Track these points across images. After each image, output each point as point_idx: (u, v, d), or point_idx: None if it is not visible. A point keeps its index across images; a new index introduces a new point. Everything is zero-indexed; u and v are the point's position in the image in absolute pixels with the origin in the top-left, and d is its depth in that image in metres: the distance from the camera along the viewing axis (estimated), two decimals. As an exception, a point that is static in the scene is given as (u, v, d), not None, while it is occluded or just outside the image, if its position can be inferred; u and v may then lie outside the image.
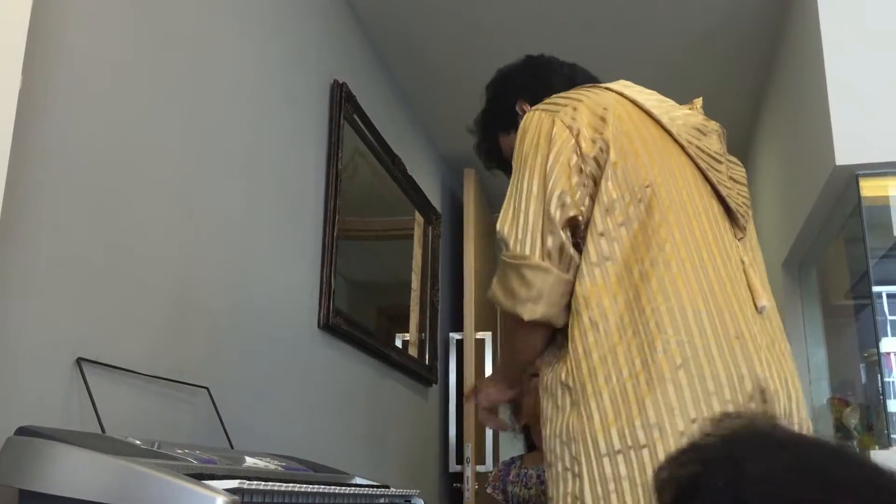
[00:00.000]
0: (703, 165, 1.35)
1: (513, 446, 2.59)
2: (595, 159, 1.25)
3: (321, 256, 2.51)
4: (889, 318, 2.61)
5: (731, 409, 1.13)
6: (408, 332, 3.49)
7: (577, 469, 1.15)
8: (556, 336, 1.29)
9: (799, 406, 1.24)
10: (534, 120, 1.32)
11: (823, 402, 3.03)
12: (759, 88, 3.48)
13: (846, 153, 2.33)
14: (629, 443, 1.11)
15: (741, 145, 3.99)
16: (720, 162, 1.40)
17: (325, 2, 2.68)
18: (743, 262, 1.32)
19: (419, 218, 3.66)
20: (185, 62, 1.81)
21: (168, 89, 1.73)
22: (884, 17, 2.42)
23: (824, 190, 2.49)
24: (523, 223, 1.24)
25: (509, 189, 1.30)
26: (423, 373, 3.54)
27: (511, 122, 1.60)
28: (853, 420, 2.71)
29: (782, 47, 3.04)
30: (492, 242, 4.44)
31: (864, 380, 2.80)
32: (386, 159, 3.14)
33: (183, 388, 1.70)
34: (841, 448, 0.61)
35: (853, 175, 2.39)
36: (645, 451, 1.11)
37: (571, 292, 1.23)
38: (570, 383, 1.20)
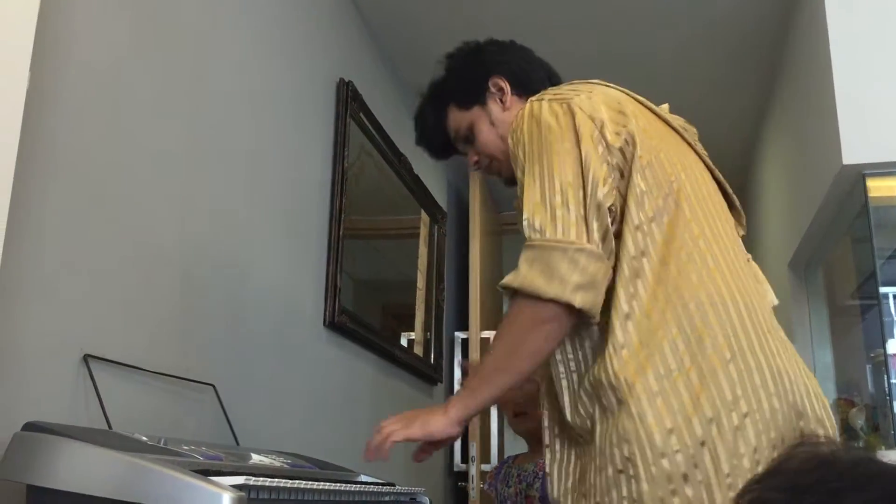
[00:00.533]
0: (707, 163, 1.37)
1: (517, 446, 2.59)
2: (621, 150, 1.23)
3: (327, 255, 2.52)
4: (896, 319, 2.60)
5: (775, 402, 1.12)
6: (413, 330, 3.49)
7: (632, 471, 1.10)
8: (580, 335, 1.23)
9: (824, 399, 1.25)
10: (545, 108, 1.27)
11: (830, 403, 3.02)
12: (766, 86, 3.47)
13: (853, 152, 2.33)
14: (687, 441, 1.09)
15: (747, 144, 3.99)
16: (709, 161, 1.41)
17: (330, 0, 2.68)
18: (748, 259, 1.34)
19: (425, 217, 3.66)
20: (191, 61, 1.81)
21: (174, 88, 1.73)
22: (891, 14, 2.41)
23: (831, 189, 2.49)
24: (563, 212, 1.16)
25: (530, 178, 1.22)
26: (428, 371, 3.54)
27: (476, 97, 1.50)
28: (859, 421, 2.70)
29: (788, 44, 3.03)
30: (497, 241, 4.44)
31: (870, 380, 2.79)
32: (392, 158, 3.15)
33: (189, 385, 1.70)
34: None
35: (860, 174, 2.38)
36: (705, 449, 1.08)
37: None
38: (616, 382, 1.14)
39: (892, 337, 2.52)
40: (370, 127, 2.91)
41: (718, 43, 3.15)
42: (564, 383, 1.25)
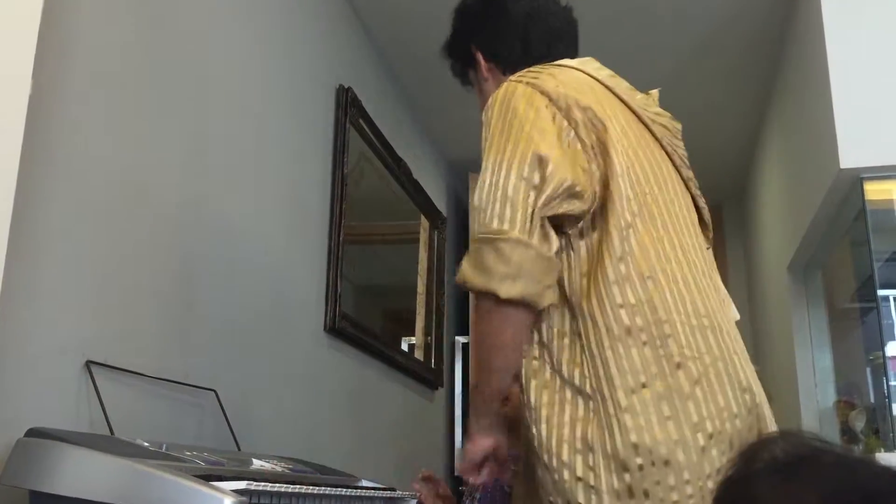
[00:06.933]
0: (684, 174, 1.34)
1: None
2: (595, 155, 1.21)
3: (327, 260, 2.52)
4: (895, 321, 2.60)
5: (737, 423, 1.13)
6: (414, 335, 3.50)
7: (593, 481, 1.10)
8: (547, 328, 1.21)
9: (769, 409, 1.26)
10: (518, 92, 1.24)
11: (829, 405, 3.03)
12: (764, 91, 3.49)
13: (850, 156, 2.34)
14: (652, 459, 1.09)
15: (746, 148, 3.99)
16: (688, 167, 1.37)
17: (330, 7, 2.69)
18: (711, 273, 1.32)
19: (425, 222, 3.67)
20: (191, 68, 1.82)
21: (174, 96, 1.74)
22: (888, 20, 2.42)
23: (829, 193, 2.50)
24: (502, 196, 1.15)
25: (486, 160, 1.21)
26: (429, 376, 3.55)
27: (466, 61, 1.52)
28: (859, 423, 2.71)
29: (787, 50, 3.05)
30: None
31: (870, 383, 2.80)
32: (391, 164, 3.16)
33: (190, 390, 1.71)
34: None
35: (858, 178, 2.39)
36: (668, 468, 1.08)
37: (554, 272, 1.18)
38: (588, 390, 1.14)
39: (892, 339, 2.52)
40: (369, 133, 2.92)
41: (718, 49, 3.16)
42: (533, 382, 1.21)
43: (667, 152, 1.32)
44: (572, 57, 1.42)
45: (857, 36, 2.43)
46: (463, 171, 4.16)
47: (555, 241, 1.17)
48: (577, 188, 1.17)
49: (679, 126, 1.40)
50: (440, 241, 3.84)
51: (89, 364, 1.40)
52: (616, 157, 1.20)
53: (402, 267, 3.45)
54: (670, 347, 1.14)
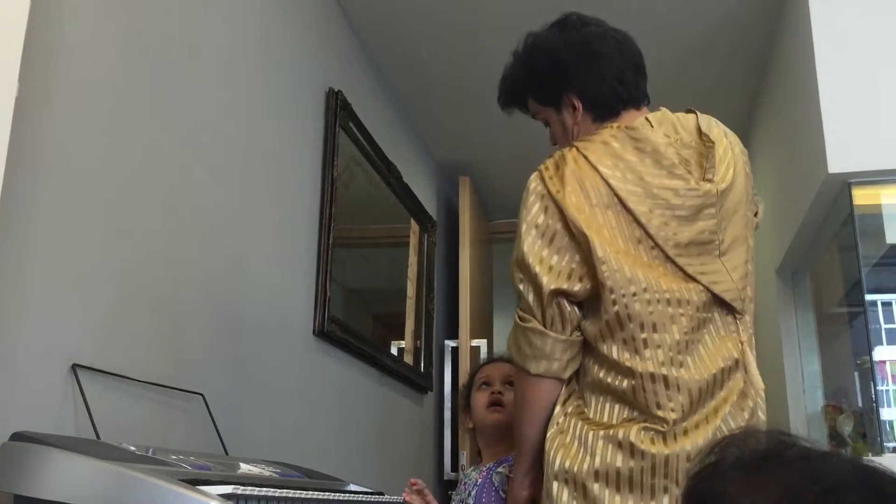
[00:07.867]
0: (690, 271, 1.36)
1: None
2: (584, 255, 1.34)
3: (317, 264, 2.52)
4: (883, 326, 2.62)
5: (659, 483, 1.28)
6: (403, 339, 3.50)
7: (546, 483, 1.37)
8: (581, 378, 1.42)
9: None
10: (536, 190, 1.38)
11: (818, 410, 3.04)
12: (752, 96, 3.50)
13: (838, 161, 2.35)
14: (575, 481, 1.32)
15: (735, 154, 4.01)
16: (711, 242, 1.39)
17: (320, 10, 2.69)
18: (742, 343, 1.39)
19: (415, 225, 3.67)
20: (179, 71, 1.82)
21: (162, 98, 1.74)
22: (875, 24, 2.44)
23: (817, 198, 2.51)
24: (527, 287, 1.36)
25: (516, 243, 1.39)
26: (418, 380, 3.54)
27: (551, 103, 1.53)
28: (847, 427, 2.72)
29: (774, 55, 3.06)
30: (486, 250, 4.45)
31: (857, 387, 2.81)
32: (381, 167, 3.15)
33: (178, 394, 1.70)
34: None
35: (846, 183, 2.40)
36: (584, 493, 1.31)
37: (574, 347, 1.37)
38: (567, 411, 1.38)
39: (880, 344, 2.53)
40: (359, 136, 2.92)
41: (705, 54, 3.17)
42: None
43: (666, 255, 1.35)
44: (646, 91, 1.57)
45: (845, 40, 2.44)
46: (453, 174, 4.16)
47: (571, 317, 1.36)
48: (562, 289, 1.34)
49: (720, 182, 1.47)
50: (430, 244, 3.84)
51: (75, 367, 1.39)
52: (599, 268, 1.32)
53: (392, 271, 3.45)
54: (634, 413, 1.33)
